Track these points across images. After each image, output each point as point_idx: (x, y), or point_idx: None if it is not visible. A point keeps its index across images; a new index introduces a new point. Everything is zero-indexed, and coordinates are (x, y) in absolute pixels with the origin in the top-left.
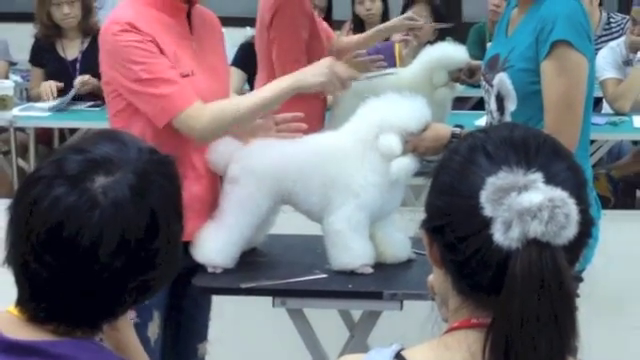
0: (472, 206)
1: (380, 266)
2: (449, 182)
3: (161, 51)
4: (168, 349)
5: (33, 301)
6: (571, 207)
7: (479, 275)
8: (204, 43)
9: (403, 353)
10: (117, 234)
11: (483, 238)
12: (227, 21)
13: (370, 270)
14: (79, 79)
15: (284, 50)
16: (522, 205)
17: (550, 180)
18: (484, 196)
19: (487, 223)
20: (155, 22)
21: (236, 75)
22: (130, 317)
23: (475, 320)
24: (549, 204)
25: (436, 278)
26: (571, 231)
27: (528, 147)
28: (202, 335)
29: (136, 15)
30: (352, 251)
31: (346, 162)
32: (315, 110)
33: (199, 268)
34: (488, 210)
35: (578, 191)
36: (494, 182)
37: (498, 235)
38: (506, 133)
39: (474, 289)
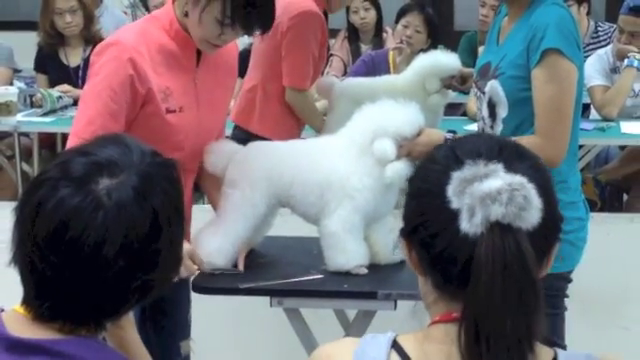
0: (441, 202)
1: (374, 267)
2: (419, 186)
3: (138, 90)
4: (151, 349)
5: (38, 300)
6: (530, 190)
7: (450, 267)
8: (211, 76)
9: (399, 340)
10: (121, 234)
11: (452, 231)
12: None
13: (365, 271)
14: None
15: (296, 66)
16: (483, 191)
17: (510, 170)
18: (450, 190)
19: (455, 216)
20: (158, 50)
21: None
22: None
23: (456, 314)
24: (508, 187)
25: (419, 283)
26: (532, 215)
27: (492, 146)
28: (184, 333)
29: (143, 39)
30: (347, 253)
31: (341, 165)
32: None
33: None
34: (455, 203)
35: (541, 183)
36: (459, 176)
37: (464, 224)
38: (474, 138)
39: (447, 281)
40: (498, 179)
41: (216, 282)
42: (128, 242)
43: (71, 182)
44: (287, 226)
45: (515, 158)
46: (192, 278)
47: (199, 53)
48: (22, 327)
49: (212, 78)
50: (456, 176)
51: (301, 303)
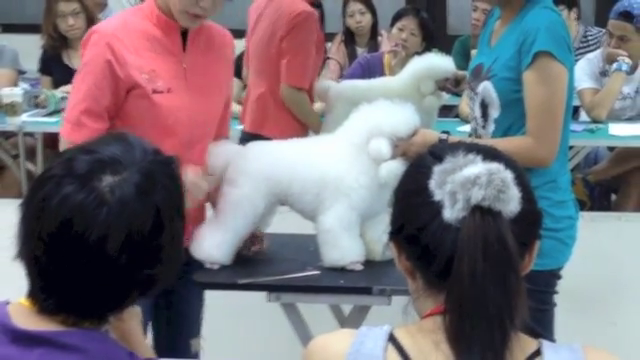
0: (424, 197)
1: (369, 263)
2: (403, 189)
3: (117, 74)
4: (161, 346)
5: (43, 293)
6: (507, 174)
7: (436, 259)
8: (200, 62)
9: (395, 334)
10: (123, 230)
11: (437, 223)
12: None
13: (360, 267)
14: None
15: (296, 65)
16: (463, 176)
17: (487, 159)
18: (433, 183)
19: (439, 209)
20: (142, 37)
21: (234, 84)
22: None
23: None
24: (486, 172)
25: (409, 286)
26: (510, 198)
27: (471, 147)
28: (194, 331)
29: (123, 27)
30: (343, 249)
31: (338, 164)
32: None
33: (188, 267)
34: (438, 194)
35: (517, 176)
36: (440, 169)
37: (447, 212)
38: (451, 144)
39: (434, 274)
40: (477, 166)
41: (215, 277)
42: (131, 238)
43: (75, 179)
44: (284, 224)
45: (492, 154)
46: (193, 275)
47: (184, 38)
48: (27, 319)
49: (202, 63)
50: (437, 169)
51: (298, 298)
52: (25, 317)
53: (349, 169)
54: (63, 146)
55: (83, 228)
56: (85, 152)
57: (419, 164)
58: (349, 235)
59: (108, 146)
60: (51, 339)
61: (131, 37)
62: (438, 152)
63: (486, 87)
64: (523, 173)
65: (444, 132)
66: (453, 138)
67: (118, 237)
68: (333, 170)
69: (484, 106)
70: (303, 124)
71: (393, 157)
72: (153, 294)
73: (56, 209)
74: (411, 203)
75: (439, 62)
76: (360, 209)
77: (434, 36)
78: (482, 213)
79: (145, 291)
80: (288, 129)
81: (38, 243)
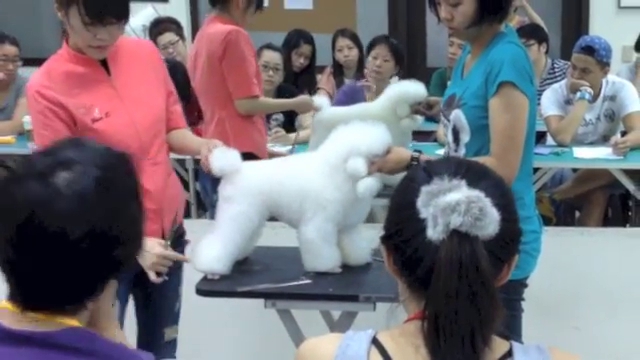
0: (412, 213)
1: (357, 272)
2: (397, 200)
3: (60, 114)
4: (139, 333)
5: (20, 292)
6: (485, 202)
7: (417, 269)
8: (129, 77)
9: (378, 337)
10: (82, 220)
11: (420, 238)
12: None
13: (339, 270)
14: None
15: (242, 78)
16: (445, 202)
17: (471, 185)
18: (419, 202)
19: (423, 225)
20: (68, 77)
21: None
22: None
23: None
24: (466, 200)
25: (399, 285)
26: (488, 224)
27: (460, 167)
28: (169, 320)
29: (47, 76)
30: (323, 258)
31: (316, 179)
32: None
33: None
34: (423, 213)
35: (499, 199)
36: (426, 190)
37: (430, 232)
38: (446, 160)
39: (415, 282)
40: (459, 193)
41: (216, 286)
42: (89, 226)
43: (34, 177)
44: (278, 237)
45: (479, 177)
46: (196, 282)
47: (106, 64)
48: (13, 320)
49: (131, 78)
50: (424, 190)
51: (292, 305)
52: (11, 319)
53: (326, 184)
54: None
55: (44, 220)
56: (44, 154)
57: (412, 178)
58: (328, 245)
59: (65, 148)
60: (41, 339)
61: (57, 82)
62: (430, 170)
63: (457, 115)
64: (507, 194)
65: (416, 151)
66: (424, 157)
67: (77, 227)
68: (314, 183)
69: (456, 132)
70: (260, 137)
71: (370, 173)
72: (124, 272)
73: (19, 206)
74: (400, 215)
75: (412, 88)
76: (335, 220)
77: (414, 68)
78: (460, 237)
79: (114, 272)
80: (248, 145)
81: (7, 244)
